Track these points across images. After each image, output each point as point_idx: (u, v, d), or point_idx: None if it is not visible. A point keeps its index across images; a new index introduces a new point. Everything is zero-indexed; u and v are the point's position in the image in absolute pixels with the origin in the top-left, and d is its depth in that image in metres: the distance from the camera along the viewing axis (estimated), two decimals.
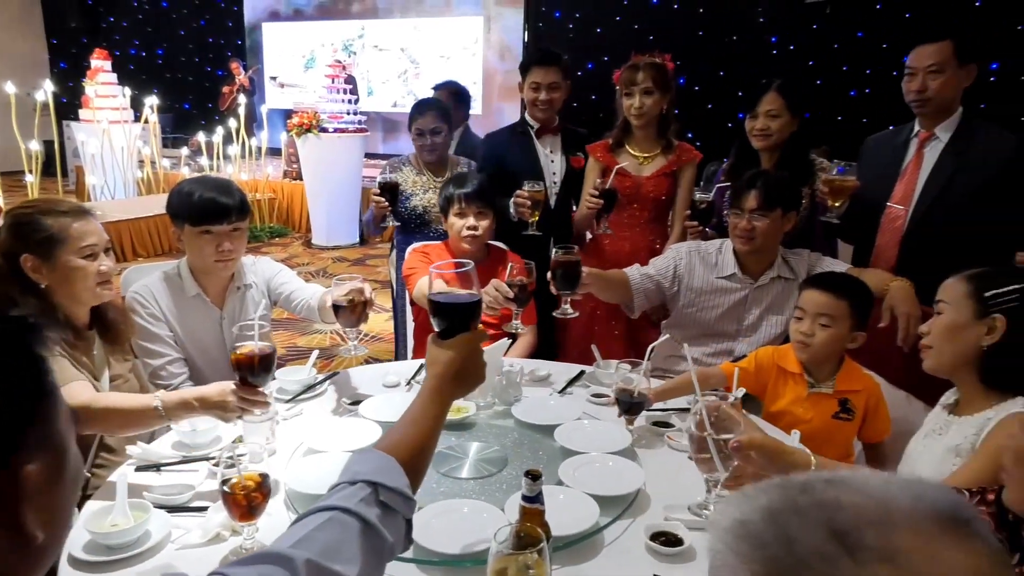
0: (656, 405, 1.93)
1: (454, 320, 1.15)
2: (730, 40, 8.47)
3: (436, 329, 1.16)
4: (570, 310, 1.99)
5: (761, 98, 2.43)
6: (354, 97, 7.61)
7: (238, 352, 1.55)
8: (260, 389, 1.57)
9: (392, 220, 2.80)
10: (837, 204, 2.19)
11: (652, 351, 1.78)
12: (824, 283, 1.90)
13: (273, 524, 1.36)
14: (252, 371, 1.55)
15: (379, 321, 4.89)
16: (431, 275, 1.22)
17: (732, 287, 2.28)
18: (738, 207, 2.17)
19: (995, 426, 1.40)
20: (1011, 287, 1.42)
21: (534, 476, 1.14)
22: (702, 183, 2.62)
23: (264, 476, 1.28)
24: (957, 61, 2.22)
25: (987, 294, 1.44)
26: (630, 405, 1.75)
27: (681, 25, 8.56)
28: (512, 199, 2.58)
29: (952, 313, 1.49)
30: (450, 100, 3.63)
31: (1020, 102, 7.33)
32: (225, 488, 1.25)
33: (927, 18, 7.45)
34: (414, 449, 1.01)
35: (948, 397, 1.60)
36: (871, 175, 2.33)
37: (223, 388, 1.57)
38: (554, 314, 2.02)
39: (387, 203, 2.71)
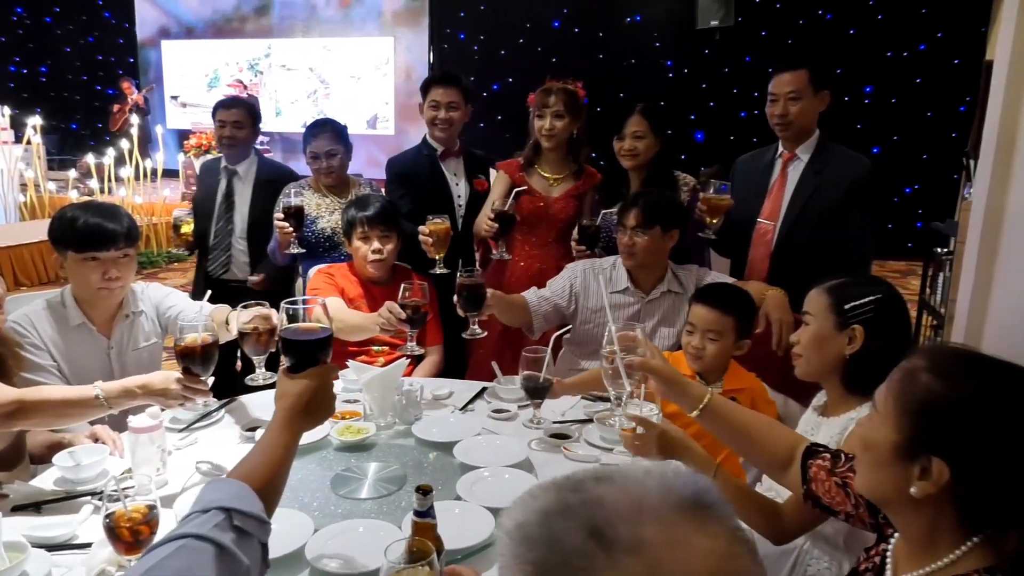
0: (556, 417, 2.00)
1: (303, 355, 1.18)
2: (629, 63, 8.83)
3: (285, 364, 1.18)
4: (479, 330, 2.05)
5: (627, 120, 2.57)
6: None
7: (183, 343, 1.60)
8: (202, 378, 1.62)
9: (296, 247, 2.67)
10: (715, 221, 2.34)
11: (555, 338, 1.89)
12: (711, 300, 2.01)
13: None
14: (194, 360, 1.60)
15: None
16: (281, 313, 1.22)
17: (626, 301, 2.38)
18: (622, 224, 2.29)
19: (855, 426, 1.50)
20: (867, 299, 1.52)
21: (424, 491, 1.17)
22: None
23: (151, 507, 1.25)
24: (813, 88, 2.41)
25: (846, 307, 1.52)
26: (535, 389, 1.85)
27: (582, 48, 8.85)
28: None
29: (816, 324, 1.57)
30: (245, 118, 3.30)
31: (890, 121, 7.98)
32: (108, 522, 1.21)
33: (806, 45, 8.00)
34: (267, 476, 1.04)
35: (818, 399, 1.70)
36: (742, 193, 2.49)
37: (166, 376, 1.64)
38: (464, 335, 2.07)
39: (292, 229, 2.60)
